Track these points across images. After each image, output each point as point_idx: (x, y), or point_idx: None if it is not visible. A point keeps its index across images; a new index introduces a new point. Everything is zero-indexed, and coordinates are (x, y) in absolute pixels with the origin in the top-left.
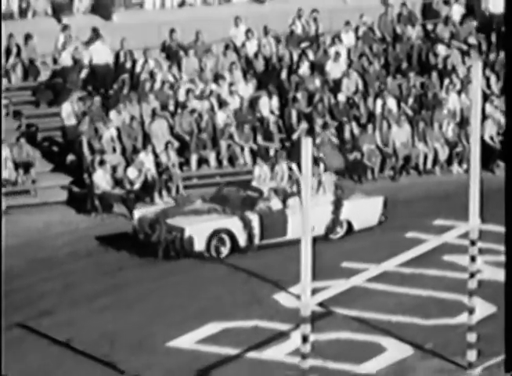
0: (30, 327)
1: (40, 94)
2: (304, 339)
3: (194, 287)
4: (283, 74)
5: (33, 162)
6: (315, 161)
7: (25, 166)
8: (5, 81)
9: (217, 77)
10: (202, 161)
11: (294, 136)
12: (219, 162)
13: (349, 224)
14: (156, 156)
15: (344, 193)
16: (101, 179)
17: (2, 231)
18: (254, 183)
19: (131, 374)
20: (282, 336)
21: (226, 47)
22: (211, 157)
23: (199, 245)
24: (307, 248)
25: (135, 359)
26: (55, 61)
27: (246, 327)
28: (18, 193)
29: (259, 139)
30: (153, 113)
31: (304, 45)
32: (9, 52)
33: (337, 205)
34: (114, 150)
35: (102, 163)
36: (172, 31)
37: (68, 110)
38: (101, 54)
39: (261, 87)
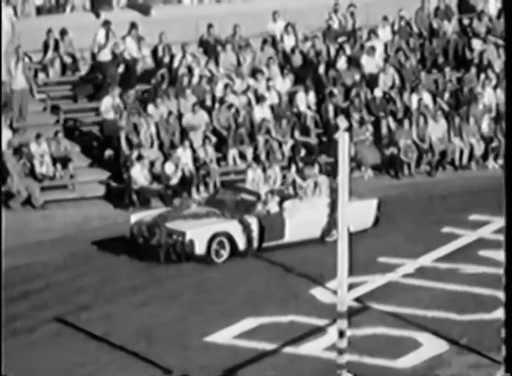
0: (68, 321)
1: (78, 88)
2: (341, 334)
3: (231, 282)
4: (321, 69)
5: (71, 157)
6: (312, 163)
7: (63, 161)
8: (43, 75)
9: (254, 72)
10: (239, 156)
11: (337, 135)
12: (256, 157)
13: None
14: (193, 151)
15: None
16: (139, 174)
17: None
18: (248, 186)
19: (178, 373)
20: (318, 331)
21: (264, 42)
22: (249, 152)
23: (200, 249)
24: (343, 243)
25: (172, 355)
26: (93, 56)
27: (282, 323)
28: (56, 187)
29: (296, 134)
30: (193, 108)
31: (341, 39)
32: (46, 46)
33: (333, 208)
34: (152, 145)
35: (140, 158)
36: (210, 26)
37: (108, 105)
38: (133, 48)
39: (298, 82)
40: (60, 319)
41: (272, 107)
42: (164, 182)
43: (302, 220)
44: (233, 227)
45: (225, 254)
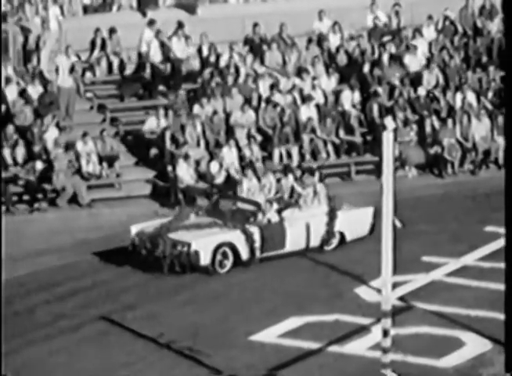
0: (114, 320)
1: (125, 87)
2: (385, 333)
3: (276, 281)
4: (365, 68)
5: (117, 155)
6: (311, 172)
7: (109, 159)
8: (89, 74)
9: (300, 71)
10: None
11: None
12: (302, 156)
13: (341, 235)
14: (239, 150)
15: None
16: (185, 173)
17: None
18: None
19: (224, 373)
20: (363, 330)
21: (309, 41)
22: (294, 151)
23: (204, 259)
24: (387, 242)
25: (218, 353)
26: (139, 55)
27: (327, 321)
28: (102, 186)
29: (341, 133)
30: (243, 108)
31: (386, 38)
32: (93, 45)
33: (332, 216)
34: (198, 144)
35: (186, 157)
36: (256, 25)
37: (152, 126)
38: (179, 48)
39: (343, 81)
40: (106, 317)
41: (317, 106)
42: (209, 181)
43: (302, 229)
44: (236, 237)
45: (228, 264)
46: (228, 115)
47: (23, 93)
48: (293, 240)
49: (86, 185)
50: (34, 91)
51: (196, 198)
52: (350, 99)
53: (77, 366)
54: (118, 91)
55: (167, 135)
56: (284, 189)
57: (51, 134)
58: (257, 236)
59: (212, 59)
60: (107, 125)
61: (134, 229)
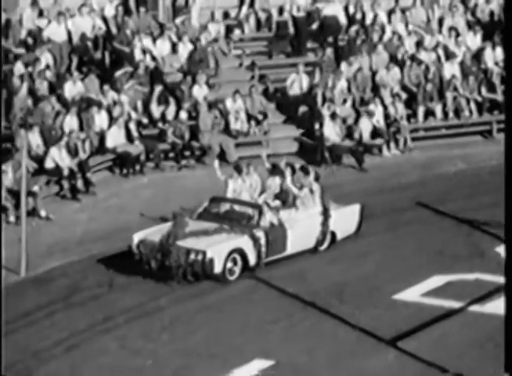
0: (261, 278)
1: (273, 45)
2: None
3: (419, 240)
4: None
5: (265, 113)
6: (306, 171)
7: (257, 117)
8: (238, 31)
9: (444, 29)
10: (428, 113)
11: None
12: (445, 114)
13: (333, 234)
14: (385, 108)
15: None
16: (331, 131)
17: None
18: (229, 196)
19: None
20: (503, 289)
21: None
22: (438, 109)
23: (218, 267)
24: None
25: (363, 312)
26: (285, 12)
27: (468, 280)
28: (250, 144)
29: (483, 91)
30: (387, 66)
31: None
32: (242, 2)
33: (326, 216)
34: (345, 101)
35: (333, 115)
36: None
37: (293, 82)
38: (326, 5)
39: (486, 38)
40: (254, 276)
41: (460, 64)
42: (355, 138)
43: (301, 231)
44: (245, 243)
45: (237, 270)
46: (373, 73)
47: (173, 50)
48: (294, 243)
49: (234, 142)
50: (184, 48)
51: (341, 156)
52: (492, 56)
53: (224, 323)
54: (267, 48)
55: (315, 92)
56: (273, 189)
57: (200, 91)
58: (263, 241)
59: (358, 16)
60: (256, 83)
61: (136, 238)
